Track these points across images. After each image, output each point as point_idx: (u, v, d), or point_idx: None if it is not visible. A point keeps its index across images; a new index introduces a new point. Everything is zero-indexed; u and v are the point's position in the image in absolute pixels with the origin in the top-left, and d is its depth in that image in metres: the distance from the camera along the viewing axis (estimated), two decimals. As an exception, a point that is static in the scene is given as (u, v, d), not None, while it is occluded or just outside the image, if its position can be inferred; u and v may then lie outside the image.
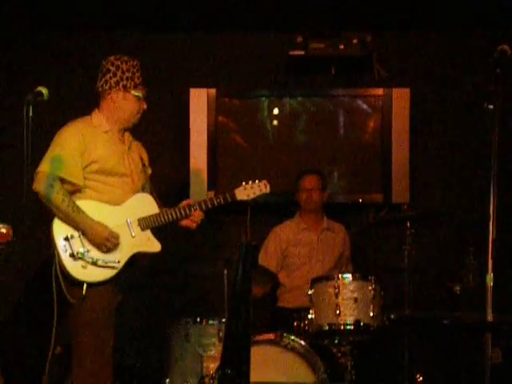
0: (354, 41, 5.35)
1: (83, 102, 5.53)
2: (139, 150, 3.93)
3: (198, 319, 4.27)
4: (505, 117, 2.94)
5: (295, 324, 4.20)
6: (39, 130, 3.30)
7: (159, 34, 5.52)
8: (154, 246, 3.76)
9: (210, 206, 3.84)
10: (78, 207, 3.59)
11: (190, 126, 5.38)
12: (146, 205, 3.78)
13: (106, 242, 3.59)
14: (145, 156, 3.96)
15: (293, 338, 4.11)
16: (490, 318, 2.70)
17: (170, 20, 5.40)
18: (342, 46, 5.35)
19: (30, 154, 3.23)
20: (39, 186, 3.57)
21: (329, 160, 5.53)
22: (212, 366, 4.07)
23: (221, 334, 4.12)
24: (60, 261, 3.58)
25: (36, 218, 3.52)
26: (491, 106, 2.90)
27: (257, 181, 3.96)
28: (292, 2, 5.10)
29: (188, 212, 3.81)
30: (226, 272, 4.29)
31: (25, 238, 3.66)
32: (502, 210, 2.87)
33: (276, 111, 5.55)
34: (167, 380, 4.22)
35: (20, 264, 3.93)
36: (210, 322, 4.25)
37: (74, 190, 3.65)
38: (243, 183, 3.93)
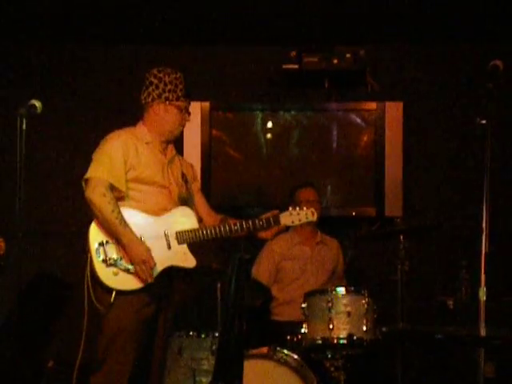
0: (348, 55, 5.37)
1: (77, 116, 5.61)
2: (182, 164, 3.93)
3: (191, 333, 4.26)
4: (497, 131, 2.95)
5: (288, 338, 4.19)
6: (32, 143, 3.30)
7: (153, 47, 5.53)
8: (189, 262, 3.70)
9: (251, 228, 3.77)
10: (125, 221, 3.58)
11: (184, 139, 5.37)
12: (186, 219, 3.74)
13: (142, 264, 3.56)
14: (189, 171, 3.95)
15: (286, 351, 4.10)
16: (482, 332, 2.70)
17: (164, 33, 5.42)
18: (335, 60, 5.37)
19: (23, 166, 3.23)
20: (93, 193, 3.57)
21: (322, 173, 5.54)
22: (204, 380, 4.05)
23: (214, 347, 4.11)
24: (92, 266, 3.57)
25: (29, 231, 3.51)
26: (484, 121, 2.91)
27: (305, 208, 3.86)
28: (286, 17, 5.12)
29: (228, 231, 3.73)
30: (219, 285, 4.28)
31: (18, 250, 3.64)
32: (494, 223, 2.88)
33: (269, 125, 5.56)
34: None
35: (13, 277, 3.91)
36: (203, 335, 4.24)
37: (118, 199, 3.64)
38: (290, 208, 3.83)
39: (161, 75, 3.75)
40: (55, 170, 5.47)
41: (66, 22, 5.19)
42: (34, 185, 5.45)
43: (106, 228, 3.59)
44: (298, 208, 3.85)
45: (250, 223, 3.76)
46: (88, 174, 3.62)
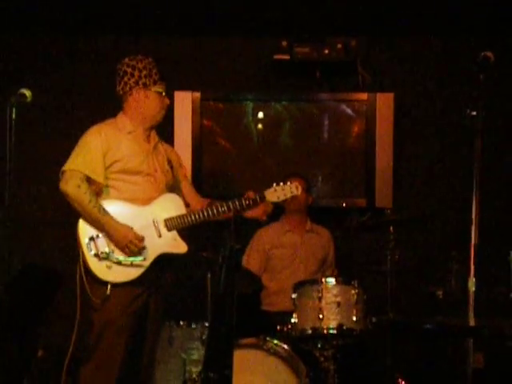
0: (339, 45, 5.36)
1: (67, 105, 5.58)
2: (167, 150, 3.94)
3: (181, 322, 4.26)
4: (488, 122, 2.96)
5: (278, 328, 4.19)
6: (22, 132, 3.29)
7: (144, 36, 5.51)
8: (180, 248, 3.74)
9: (238, 207, 3.80)
10: (104, 209, 3.60)
11: (175, 129, 5.37)
12: (173, 205, 3.77)
13: (130, 245, 3.59)
14: (174, 157, 3.97)
15: (276, 341, 4.11)
16: (471, 322, 2.71)
17: (154, 23, 5.39)
18: (326, 51, 5.37)
19: (13, 156, 3.21)
20: (67, 185, 3.59)
21: (313, 164, 5.54)
22: (195, 370, 4.06)
23: (204, 337, 4.12)
24: (85, 261, 3.58)
25: (18, 220, 3.50)
26: (474, 112, 2.92)
27: (288, 182, 3.91)
28: (277, 7, 5.11)
29: (215, 213, 3.77)
30: (209, 275, 4.28)
31: (7, 241, 3.63)
32: (484, 215, 2.88)
33: (260, 115, 5.55)
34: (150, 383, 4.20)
35: (2, 266, 3.90)
36: (193, 325, 4.24)
37: (97, 191, 3.66)
38: (274, 184, 3.88)
39: (133, 63, 3.76)
40: (44, 159, 5.44)
41: (56, 11, 5.15)
42: (23, 174, 5.44)
43: (88, 220, 3.60)
44: (281, 183, 3.89)
45: (237, 203, 3.80)
46: (64, 167, 3.64)
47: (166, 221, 3.71)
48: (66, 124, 5.48)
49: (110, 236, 3.59)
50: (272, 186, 3.88)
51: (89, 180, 3.63)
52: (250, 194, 3.83)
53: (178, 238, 3.74)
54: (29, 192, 5.50)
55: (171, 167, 3.89)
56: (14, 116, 3.22)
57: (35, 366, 4.94)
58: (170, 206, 3.76)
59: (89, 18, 5.28)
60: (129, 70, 3.75)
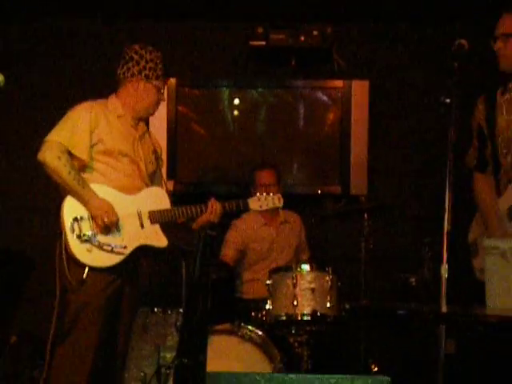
0: (315, 32, 5.36)
1: (42, 89, 5.54)
2: (153, 141, 3.93)
3: (156, 309, 4.26)
4: (461, 111, 2.98)
5: (253, 314, 4.21)
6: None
7: (119, 22, 5.47)
8: (161, 241, 3.74)
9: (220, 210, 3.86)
10: (84, 181, 3.58)
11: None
12: (158, 199, 3.78)
13: (104, 216, 3.56)
14: (158, 148, 3.97)
15: (250, 327, 4.13)
16: (444, 309, 2.73)
17: (129, 9, 5.36)
18: (302, 38, 5.36)
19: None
20: (45, 155, 3.55)
21: (288, 151, 5.55)
22: (169, 356, 4.07)
23: (178, 323, 4.12)
24: (66, 241, 3.56)
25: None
26: (448, 100, 2.93)
27: (271, 193, 4.03)
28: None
29: (198, 212, 3.81)
30: (183, 262, 4.28)
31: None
32: (456, 201, 2.91)
33: (236, 101, 5.55)
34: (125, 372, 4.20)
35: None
36: (168, 311, 4.24)
37: (80, 167, 3.63)
38: (257, 194, 4.00)
39: (142, 52, 3.74)
40: (19, 143, 5.40)
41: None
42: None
43: (66, 189, 3.58)
44: (265, 194, 4.00)
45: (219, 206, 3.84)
46: (46, 137, 3.60)
47: (150, 213, 3.71)
48: (42, 109, 5.43)
49: (86, 205, 3.57)
50: (256, 195, 4.00)
51: (71, 155, 3.60)
52: (213, 202, 3.84)
53: (160, 232, 3.74)
54: (4, 178, 5.46)
55: (156, 158, 3.91)
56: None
57: (8, 353, 4.92)
58: (156, 199, 3.76)
59: (68, 2, 5.23)
60: (136, 56, 3.73)
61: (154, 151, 3.89)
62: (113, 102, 3.78)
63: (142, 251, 3.74)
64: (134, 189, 3.72)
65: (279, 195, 4.02)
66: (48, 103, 5.30)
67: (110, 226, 3.60)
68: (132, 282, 3.77)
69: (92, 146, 3.64)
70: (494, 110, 3.67)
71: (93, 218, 3.58)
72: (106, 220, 3.57)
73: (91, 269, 3.57)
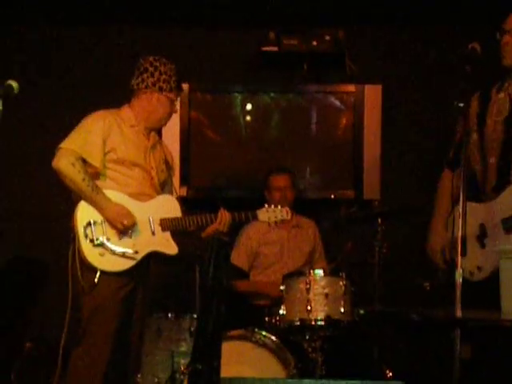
0: (327, 37, 5.36)
1: (55, 97, 5.56)
2: (164, 150, 3.98)
3: (170, 315, 4.27)
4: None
5: (266, 319, 4.20)
6: (9, 125, 3.26)
7: (132, 28, 5.49)
8: (171, 249, 3.79)
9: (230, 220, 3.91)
10: (98, 187, 3.63)
11: (162, 121, 5.35)
12: (170, 207, 3.83)
13: (123, 219, 3.61)
14: (170, 158, 4.02)
15: (264, 333, 4.12)
16: (459, 313, 2.72)
17: (143, 14, 5.38)
18: (314, 42, 5.36)
19: None
20: (60, 162, 3.59)
21: (301, 156, 5.54)
22: (183, 362, 4.06)
23: (192, 329, 4.12)
24: (79, 245, 3.60)
25: (5, 213, 3.49)
26: (461, 104, 2.92)
27: (279, 206, 4.08)
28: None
29: (208, 221, 3.85)
30: (197, 268, 4.28)
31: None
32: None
33: (249, 107, 5.54)
34: (138, 375, 4.20)
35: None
36: (182, 317, 4.24)
37: (93, 175, 3.67)
38: (266, 205, 4.04)
39: (157, 64, 3.80)
40: (32, 151, 5.42)
41: (43, 2, 5.13)
42: (10, 166, 5.42)
43: (81, 196, 3.62)
44: (273, 206, 4.06)
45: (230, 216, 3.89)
46: (60, 145, 3.65)
47: (161, 220, 3.75)
48: (53, 116, 5.45)
49: (103, 212, 3.61)
50: (264, 206, 4.04)
51: (85, 162, 3.64)
52: (223, 212, 3.88)
53: (170, 239, 3.79)
54: (15, 184, 5.47)
55: (168, 168, 3.96)
56: (0, 108, 3.20)
57: (23, 359, 4.93)
58: (167, 207, 3.81)
59: (75, 7, 5.25)
60: (151, 68, 3.79)
61: (166, 160, 3.95)
62: (126, 111, 3.82)
63: (153, 259, 3.78)
64: (145, 196, 3.76)
65: (287, 208, 4.08)
66: (63, 111, 5.31)
67: (129, 229, 3.62)
68: (144, 286, 3.79)
69: (105, 155, 3.67)
70: (486, 108, 3.57)
71: (111, 222, 3.61)
72: (125, 223, 3.61)
73: (103, 273, 3.60)
